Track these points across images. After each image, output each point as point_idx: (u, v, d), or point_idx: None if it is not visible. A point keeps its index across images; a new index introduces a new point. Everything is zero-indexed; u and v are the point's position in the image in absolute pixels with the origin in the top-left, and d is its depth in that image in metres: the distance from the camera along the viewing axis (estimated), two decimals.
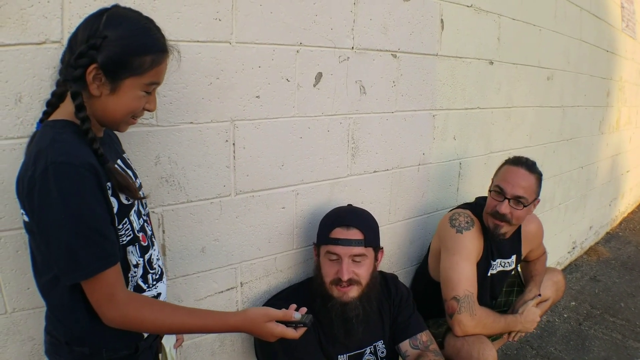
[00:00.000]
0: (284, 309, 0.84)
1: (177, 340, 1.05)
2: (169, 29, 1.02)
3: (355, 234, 1.23)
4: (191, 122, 1.11)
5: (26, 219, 0.73)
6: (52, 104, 0.77)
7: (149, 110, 0.79)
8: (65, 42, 0.86)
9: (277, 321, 0.83)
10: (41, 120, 0.79)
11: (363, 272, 1.23)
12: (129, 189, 0.77)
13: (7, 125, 0.87)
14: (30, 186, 0.67)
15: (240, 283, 1.30)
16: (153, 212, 1.09)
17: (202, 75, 1.09)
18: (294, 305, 0.89)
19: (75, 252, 0.68)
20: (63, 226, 0.67)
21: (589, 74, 2.79)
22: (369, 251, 1.26)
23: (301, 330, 0.85)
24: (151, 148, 1.06)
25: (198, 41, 1.07)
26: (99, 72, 0.70)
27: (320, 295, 1.24)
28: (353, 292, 1.22)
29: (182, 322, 0.77)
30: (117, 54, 0.69)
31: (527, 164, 1.47)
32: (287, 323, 0.83)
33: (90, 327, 0.77)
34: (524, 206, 1.44)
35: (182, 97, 1.08)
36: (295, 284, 1.40)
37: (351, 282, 1.22)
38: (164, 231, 1.13)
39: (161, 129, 1.07)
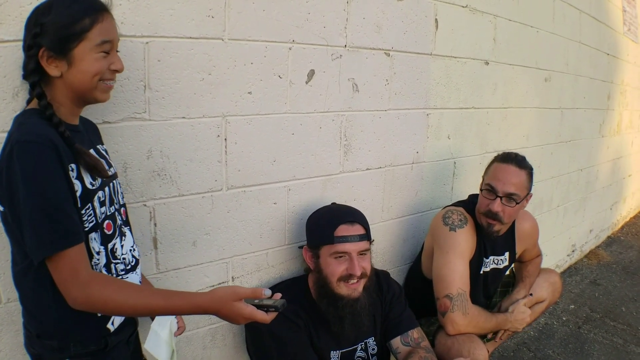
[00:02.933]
0: (253, 287, 0.82)
1: (178, 328, 1.04)
2: (163, 25, 1.05)
3: (359, 229, 1.24)
4: (183, 117, 1.12)
5: (1, 207, 0.74)
6: (28, 101, 0.82)
7: (116, 71, 0.81)
8: None
9: (250, 304, 0.80)
10: None
11: (368, 266, 1.25)
12: (97, 168, 0.78)
13: (5, 119, 0.89)
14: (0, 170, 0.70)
15: (232, 277, 1.31)
16: (145, 205, 1.11)
17: (195, 71, 1.11)
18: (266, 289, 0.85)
19: (39, 229, 0.69)
20: (27, 203, 0.68)
21: (588, 76, 2.79)
22: (369, 245, 1.27)
23: (272, 315, 0.81)
24: (143, 142, 1.08)
25: (191, 37, 1.09)
26: (50, 53, 0.74)
27: (325, 296, 1.23)
28: (360, 286, 1.24)
29: (147, 303, 0.76)
30: (58, 29, 0.74)
31: (516, 160, 1.46)
32: (259, 306, 0.80)
33: (57, 319, 0.77)
34: (516, 203, 1.44)
35: (174, 92, 1.10)
36: (288, 279, 1.40)
37: (361, 276, 1.23)
38: (155, 224, 1.14)
39: (153, 123, 1.08)
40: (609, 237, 3.78)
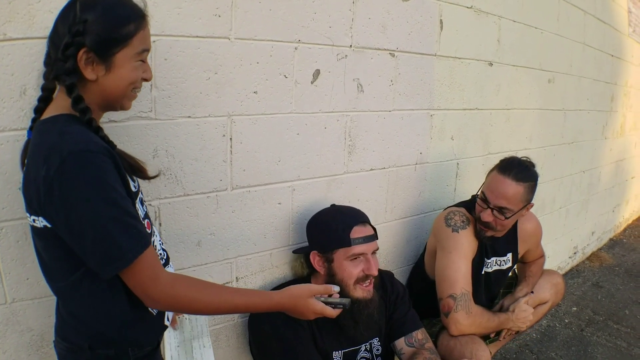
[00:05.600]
0: (324, 284, 0.87)
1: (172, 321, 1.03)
2: (170, 24, 1.04)
3: (370, 229, 1.25)
4: (189, 116, 1.12)
5: (41, 224, 0.70)
6: (40, 109, 0.77)
7: (146, 80, 0.79)
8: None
9: (317, 299, 0.85)
10: (33, 120, 0.78)
11: (378, 265, 1.26)
12: (140, 169, 0.77)
13: (12, 117, 0.89)
14: (48, 184, 0.65)
15: (236, 278, 1.31)
16: (150, 204, 1.11)
17: (201, 70, 1.11)
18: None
19: (114, 239, 0.66)
20: (96, 214, 0.65)
21: (592, 78, 2.78)
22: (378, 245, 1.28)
23: (338, 311, 0.87)
24: (149, 141, 1.08)
25: (197, 36, 1.09)
26: (90, 55, 0.70)
27: None
28: (372, 286, 1.24)
29: (230, 301, 0.77)
30: (103, 31, 0.70)
31: (515, 172, 1.39)
32: (326, 303, 0.85)
33: (120, 326, 0.76)
34: (506, 218, 1.41)
35: (180, 91, 1.09)
36: (290, 280, 1.40)
37: (375, 276, 1.24)
38: (160, 224, 1.14)
39: (159, 123, 1.08)
40: (611, 239, 3.77)
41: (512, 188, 1.38)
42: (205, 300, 0.74)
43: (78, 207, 0.65)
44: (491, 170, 1.49)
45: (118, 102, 0.77)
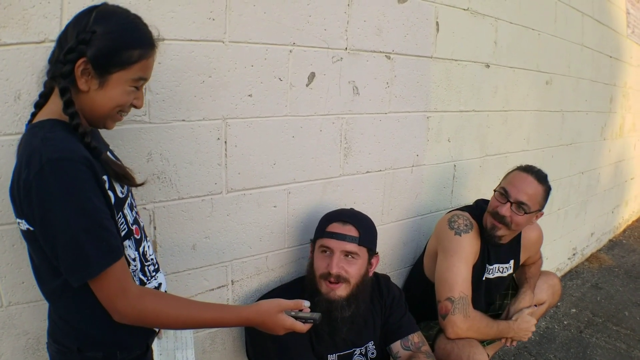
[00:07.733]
0: (294, 299, 0.86)
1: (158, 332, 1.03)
2: (163, 28, 1.04)
3: (350, 230, 1.24)
4: (183, 120, 1.12)
5: (24, 226, 0.71)
6: (40, 104, 0.77)
7: (136, 107, 0.79)
8: None
9: (289, 315, 0.84)
10: (29, 122, 0.79)
11: (353, 271, 1.22)
12: (127, 176, 0.77)
13: (6, 122, 0.90)
14: (27, 188, 0.66)
15: (232, 281, 1.31)
16: (144, 208, 1.11)
17: (195, 74, 1.11)
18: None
19: (83, 249, 0.66)
20: (67, 224, 0.66)
21: (590, 79, 2.78)
22: (362, 251, 1.25)
23: (308, 325, 0.86)
24: (143, 145, 1.08)
25: (191, 40, 1.09)
26: (87, 66, 0.70)
27: (309, 290, 1.24)
28: (341, 290, 1.21)
29: (198, 316, 0.76)
30: (106, 48, 0.70)
31: (537, 174, 1.47)
32: (296, 318, 0.85)
33: (106, 329, 0.76)
34: (525, 213, 1.43)
35: (174, 94, 1.09)
36: (285, 283, 1.40)
37: (339, 278, 1.21)
38: (155, 227, 1.14)
39: (153, 126, 1.08)
40: (610, 240, 3.76)
41: (534, 186, 1.44)
42: (173, 315, 0.74)
43: (51, 215, 0.65)
44: (510, 172, 1.53)
45: (101, 120, 0.77)
